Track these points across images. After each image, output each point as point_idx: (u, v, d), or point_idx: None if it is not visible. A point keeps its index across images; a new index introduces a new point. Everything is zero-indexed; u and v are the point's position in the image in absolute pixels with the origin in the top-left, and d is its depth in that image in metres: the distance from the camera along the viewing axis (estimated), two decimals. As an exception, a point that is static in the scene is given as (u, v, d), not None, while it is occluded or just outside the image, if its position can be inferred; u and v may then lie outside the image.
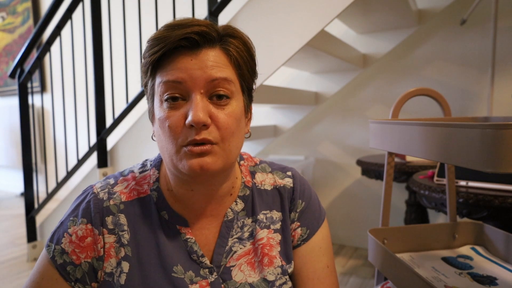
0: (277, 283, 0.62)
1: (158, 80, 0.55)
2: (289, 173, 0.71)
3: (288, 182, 0.69)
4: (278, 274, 0.63)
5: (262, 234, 0.65)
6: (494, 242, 0.87)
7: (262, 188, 0.68)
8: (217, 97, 0.54)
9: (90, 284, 0.59)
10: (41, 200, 2.38)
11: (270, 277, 0.62)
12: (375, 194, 2.37)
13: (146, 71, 0.57)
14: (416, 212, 1.83)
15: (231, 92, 0.55)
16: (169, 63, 0.54)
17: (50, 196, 2.31)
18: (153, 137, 0.61)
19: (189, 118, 0.52)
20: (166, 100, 0.54)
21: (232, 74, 0.56)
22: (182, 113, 0.53)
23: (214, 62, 0.54)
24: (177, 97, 0.54)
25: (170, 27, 0.54)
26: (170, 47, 0.53)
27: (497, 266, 0.80)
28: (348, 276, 2.00)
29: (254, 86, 0.63)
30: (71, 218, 0.60)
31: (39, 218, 2.47)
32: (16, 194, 4.29)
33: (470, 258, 0.85)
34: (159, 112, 0.55)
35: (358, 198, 2.44)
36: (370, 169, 1.78)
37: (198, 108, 0.52)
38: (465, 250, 0.90)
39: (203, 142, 0.53)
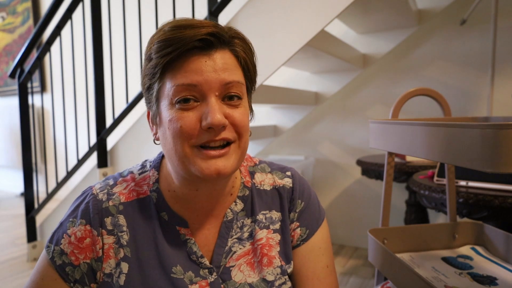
0: (277, 283, 0.63)
1: (169, 83, 0.54)
2: (288, 173, 0.71)
3: (288, 182, 0.70)
4: (277, 274, 0.63)
5: (262, 234, 0.65)
6: (494, 242, 0.87)
7: (261, 188, 0.68)
8: (228, 98, 0.55)
9: (89, 285, 0.59)
10: (41, 200, 2.38)
11: (270, 277, 0.62)
12: (375, 194, 2.37)
13: (154, 73, 0.55)
14: (416, 212, 1.83)
15: (242, 93, 0.56)
16: (181, 65, 0.53)
17: (50, 196, 2.31)
18: (155, 141, 0.60)
19: (208, 120, 0.52)
20: (178, 101, 0.53)
21: (241, 76, 0.57)
22: (196, 115, 0.53)
23: (226, 64, 0.54)
24: (190, 98, 0.53)
25: (177, 28, 0.53)
26: (187, 47, 0.52)
27: (497, 266, 0.80)
28: (348, 276, 2.00)
29: (255, 87, 0.63)
30: (70, 219, 0.60)
31: (39, 218, 2.47)
32: (16, 194, 4.29)
33: (470, 258, 0.85)
34: (169, 114, 0.54)
35: (358, 198, 2.44)
36: (370, 169, 1.78)
37: (215, 109, 0.52)
38: (465, 250, 0.90)
39: (221, 145, 0.54)
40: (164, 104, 0.55)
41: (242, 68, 0.58)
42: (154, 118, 0.59)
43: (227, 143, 0.55)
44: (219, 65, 0.54)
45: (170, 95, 0.54)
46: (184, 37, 0.52)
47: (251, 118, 0.64)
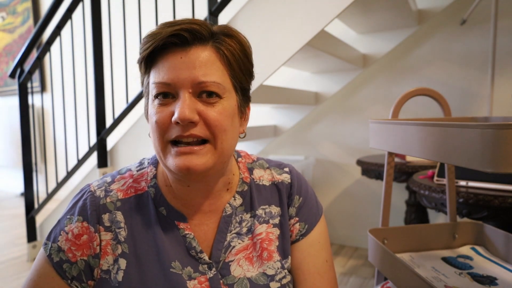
0: (277, 277, 0.63)
1: (151, 80, 0.56)
2: (286, 169, 0.72)
3: (286, 178, 0.70)
4: (278, 268, 0.64)
5: (261, 229, 0.65)
6: (494, 242, 0.87)
7: (260, 183, 0.69)
8: (206, 95, 0.55)
9: (86, 282, 0.59)
10: (41, 200, 2.38)
11: (270, 271, 0.63)
12: (375, 194, 2.37)
13: (140, 68, 0.59)
14: (416, 212, 1.83)
15: (221, 91, 0.55)
16: (160, 61, 0.55)
17: (50, 196, 2.31)
18: (150, 135, 0.61)
19: (175, 115, 0.53)
20: (156, 97, 0.55)
21: (222, 74, 0.56)
22: (170, 110, 0.54)
23: (202, 62, 0.54)
24: (167, 94, 0.55)
25: (164, 25, 0.55)
26: (160, 43, 0.54)
27: (497, 266, 0.80)
28: (348, 276, 2.00)
29: (250, 87, 0.62)
30: (67, 217, 0.60)
31: (39, 218, 2.47)
32: (16, 194, 4.29)
33: (470, 258, 0.85)
34: (150, 108, 0.57)
35: (358, 198, 2.44)
36: (370, 169, 1.78)
37: (184, 105, 0.53)
38: (465, 250, 0.90)
39: (191, 141, 0.54)
40: (149, 100, 0.58)
41: (226, 66, 0.57)
42: (145, 112, 0.61)
43: (202, 141, 0.55)
44: (194, 63, 0.54)
45: (151, 91, 0.56)
46: (161, 33, 0.54)
47: (243, 120, 0.63)
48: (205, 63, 0.54)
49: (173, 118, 0.53)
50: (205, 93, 0.54)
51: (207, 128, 0.54)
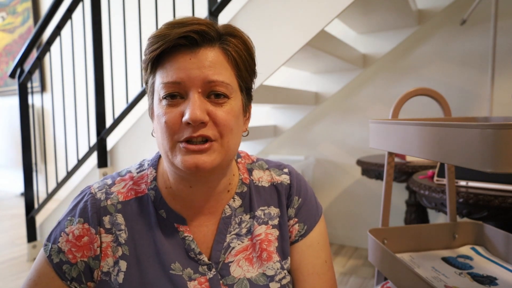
0: (277, 278, 0.63)
1: (158, 80, 0.56)
2: (285, 170, 0.72)
3: (285, 178, 0.70)
4: (277, 269, 0.64)
5: (260, 230, 0.65)
6: (494, 242, 0.87)
7: (259, 184, 0.69)
8: (215, 96, 0.55)
9: (85, 283, 0.60)
10: (41, 200, 2.38)
11: (270, 272, 0.63)
12: (375, 194, 2.37)
13: (146, 68, 0.58)
14: (416, 212, 1.83)
15: (229, 92, 0.56)
16: (168, 62, 0.55)
17: (50, 196, 2.31)
18: (153, 134, 0.62)
19: (186, 116, 0.53)
20: (164, 97, 0.55)
21: (230, 74, 0.57)
22: (179, 111, 0.54)
23: (211, 62, 0.55)
24: (176, 95, 0.55)
25: (170, 25, 0.55)
26: (169, 45, 0.54)
27: (497, 266, 0.80)
28: (348, 276, 2.00)
29: (253, 86, 0.63)
30: (68, 218, 0.61)
31: (39, 218, 2.47)
32: (16, 194, 4.29)
33: (470, 258, 0.85)
34: (157, 109, 0.56)
35: (358, 198, 2.44)
36: (370, 169, 1.78)
37: (195, 106, 0.53)
38: (465, 250, 0.90)
39: (201, 141, 0.54)
40: (156, 99, 0.57)
41: (233, 66, 0.58)
42: (149, 112, 0.61)
43: (208, 140, 0.55)
44: (203, 63, 0.54)
45: (158, 92, 0.56)
46: (170, 34, 0.53)
47: (246, 119, 0.64)
48: (214, 63, 0.55)
49: (184, 119, 0.53)
50: (213, 94, 0.55)
51: (216, 127, 0.55)
